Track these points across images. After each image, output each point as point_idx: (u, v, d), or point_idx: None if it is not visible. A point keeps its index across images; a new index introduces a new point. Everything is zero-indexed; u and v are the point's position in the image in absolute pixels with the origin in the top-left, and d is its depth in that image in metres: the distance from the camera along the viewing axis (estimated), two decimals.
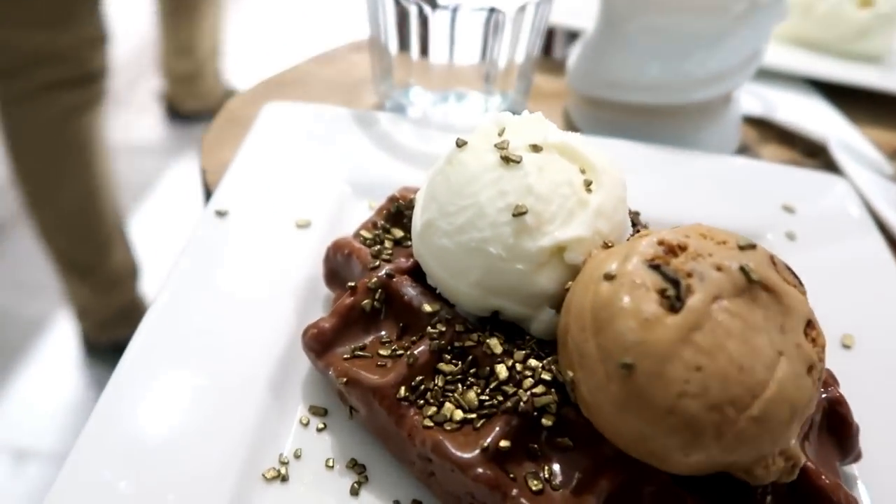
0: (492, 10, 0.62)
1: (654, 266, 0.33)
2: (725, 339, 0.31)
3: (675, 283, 0.32)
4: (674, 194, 0.59)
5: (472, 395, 0.38)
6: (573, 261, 0.38)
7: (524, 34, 0.66)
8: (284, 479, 0.39)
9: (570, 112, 0.74)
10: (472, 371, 0.39)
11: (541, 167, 0.38)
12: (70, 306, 1.61)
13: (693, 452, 0.31)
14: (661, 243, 0.34)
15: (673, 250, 0.34)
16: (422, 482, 0.39)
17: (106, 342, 1.60)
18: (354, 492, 0.39)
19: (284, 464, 0.40)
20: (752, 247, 0.34)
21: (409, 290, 0.42)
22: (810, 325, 0.33)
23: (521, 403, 0.36)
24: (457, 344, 0.39)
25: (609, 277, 0.33)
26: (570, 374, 0.34)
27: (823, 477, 0.34)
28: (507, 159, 0.38)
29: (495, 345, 0.38)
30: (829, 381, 0.39)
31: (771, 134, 0.75)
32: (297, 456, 0.40)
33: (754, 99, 0.77)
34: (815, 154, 0.72)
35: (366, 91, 0.77)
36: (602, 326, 0.32)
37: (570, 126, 0.73)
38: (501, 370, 0.38)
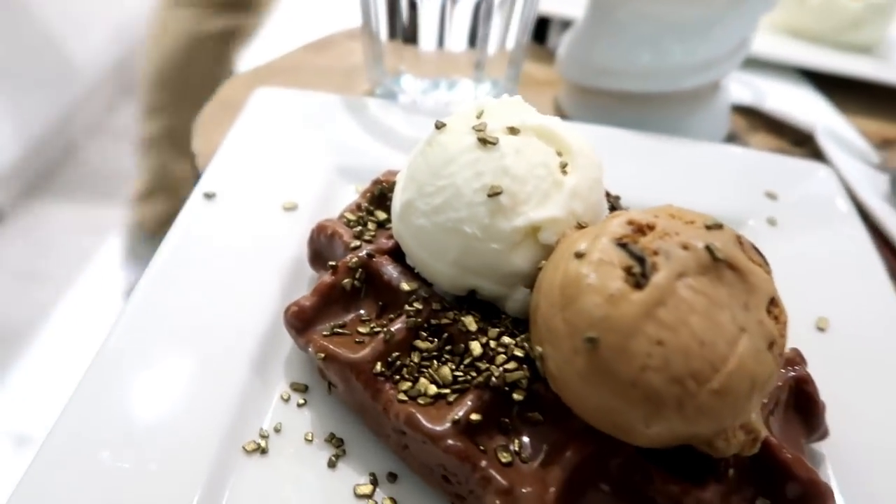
0: None
1: (622, 244, 0.34)
2: (688, 314, 0.32)
3: (641, 260, 0.33)
4: (659, 180, 0.60)
5: (446, 370, 0.39)
6: (547, 241, 0.38)
7: (514, 22, 0.66)
8: (264, 451, 0.40)
9: (561, 100, 0.75)
10: (447, 348, 0.40)
11: (517, 149, 0.39)
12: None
13: (655, 424, 0.32)
14: (630, 223, 0.35)
15: (642, 229, 0.34)
16: (398, 455, 0.40)
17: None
18: (332, 464, 0.40)
19: (264, 437, 0.41)
20: (719, 227, 0.35)
21: (389, 270, 0.42)
22: (773, 302, 0.34)
23: (493, 378, 0.37)
24: (433, 321, 0.40)
25: (579, 255, 0.34)
26: (539, 349, 0.35)
27: (785, 451, 0.35)
28: (483, 141, 0.39)
29: (470, 322, 0.39)
30: (797, 360, 0.40)
31: (760, 123, 0.75)
32: (277, 430, 0.41)
33: (744, 88, 0.77)
34: (803, 143, 0.72)
35: (359, 78, 0.77)
36: (569, 302, 0.33)
37: (561, 114, 0.74)
38: (475, 347, 0.39)
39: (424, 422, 0.36)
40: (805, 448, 0.39)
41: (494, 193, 0.38)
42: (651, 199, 0.57)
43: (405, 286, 0.41)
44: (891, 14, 0.80)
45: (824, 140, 0.69)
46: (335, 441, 0.41)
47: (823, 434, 0.40)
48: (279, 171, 0.56)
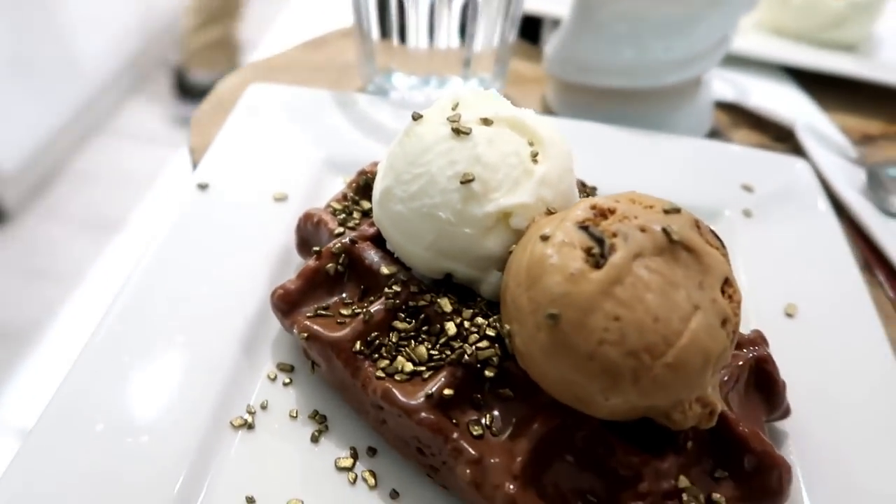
0: None
1: (584, 227, 0.35)
2: (644, 292, 0.34)
3: (601, 242, 0.35)
4: (638, 173, 0.61)
5: (422, 349, 0.41)
6: (518, 226, 0.40)
7: (499, 21, 0.68)
8: (251, 426, 0.42)
9: (548, 97, 0.77)
10: (424, 328, 0.42)
11: (490, 139, 0.41)
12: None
13: (613, 396, 0.34)
14: (593, 207, 0.37)
15: (604, 213, 0.36)
16: (376, 430, 0.42)
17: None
18: (315, 439, 0.42)
19: (251, 413, 0.43)
20: (677, 211, 0.36)
21: (370, 255, 0.45)
22: (728, 283, 0.36)
23: (466, 356, 0.39)
24: (411, 303, 0.42)
25: (544, 238, 0.36)
26: (507, 327, 0.37)
27: (742, 425, 0.37)
28: (457, 131, 0.41)
29: (445, 304, 0.41)
30: (759, 341, 0.42)
31: (743, 119, 0.77)
32: (263, 407, 0.43)
33: (727, 85, 0.79)
34: (784, 139, 0.74)
35: (352, 75, 0.79)
36: (534, 281, 0.35)
37: (548, 110, 0.76)
38: (450, 327, 0.41)
39: (400, 396, 0.38)
40: (765, 425, 0.41)
41: (467, 180, 0.40)
42: (630, 190, 0.59)
43: (385, 270, 0.43)
44: (873, 12, 0.81)
45: (804, 135, 0.70)
46: (318, 417, 0.43)
47: (785, 412, 0.42)
48: (270, 163, 0.59)
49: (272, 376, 0.45)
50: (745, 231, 0.57)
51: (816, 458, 0.42)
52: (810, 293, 0.51)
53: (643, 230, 0.35)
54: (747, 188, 0.60)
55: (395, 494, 0.40)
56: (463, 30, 0.68)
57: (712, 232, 0.38)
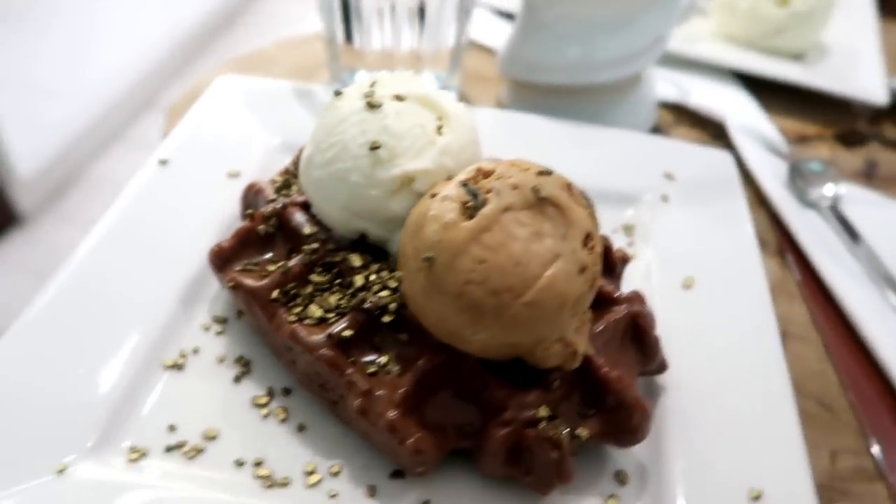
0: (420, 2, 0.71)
1: (464, 184, 0.40)
2: (509, 240, 0.38)
3: (476, 196, 0.39)
4: (572, 161, 0.65)
5: (332, 299, 0.46)
6: (420, 189, 0.45)
7: (451, 21, 0.74)
8: (180, 367, 0.47)
9: (502, 95, 0.82)
10: (337, 281, 0.47)
11: (399, 112, 0.46)
12: None
13: (479, 331, 0.38)
14: (478, 169, 0.42)
15: (486, 174, 0.41)
16: (290, 371, 0.46)
17: None
18: (237, 380, 0.47)
19: (183, 356, 0.48)
20: (549, 173, 0.41)
21: (296, 217, 0.49)
22: (589, 237, 0.40)
23: (367, 303, 0.44)
24: (327, 259, 0.47)
25: (433, 196, 0.41)
26: (399, 273, 0.42)
27: (606, 369, 0.41)
28: (370, 105, 0.46)
29: (356, 260, 0.46)
30: (636, 300, 0.46)
31: (685, 118, 0.81)
32: (195, 351, 0.48)
33: (672, 86, 0.84)
34: (721, 136, 0.78)
35: (324, 73, 0.85)
36: (417, 231, 0.40)
37: (501, 107, 0.81)
38: (358, 279, 0.45)
39: (304, 336, 0.43)
40: (639, 377, 0.45)
41: (375, 147, 0.45)
42: (568, 176, 0.63)
43: (306, 230, 0.48)
44: (813, 22, 0.86)
45: (734, 132, 0.75)
46: (242, 362, 0.48)
47: (661, 366, 0.46)
48: (229, 145, 0.64)
49: (206, 326, 0.50)
50: (660, 214, 0.61)
51: (685, 408, 0.46)
52: (709, 269, 0.55)
53: (515, 187, 0.40)
54: (669, 176, 0.65)
55: (301, 427, 0.45)
56: (419, 31, 0.74)
57: (584, 195, 0.42)
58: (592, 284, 0.40)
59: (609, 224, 0.61)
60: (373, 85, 0.48)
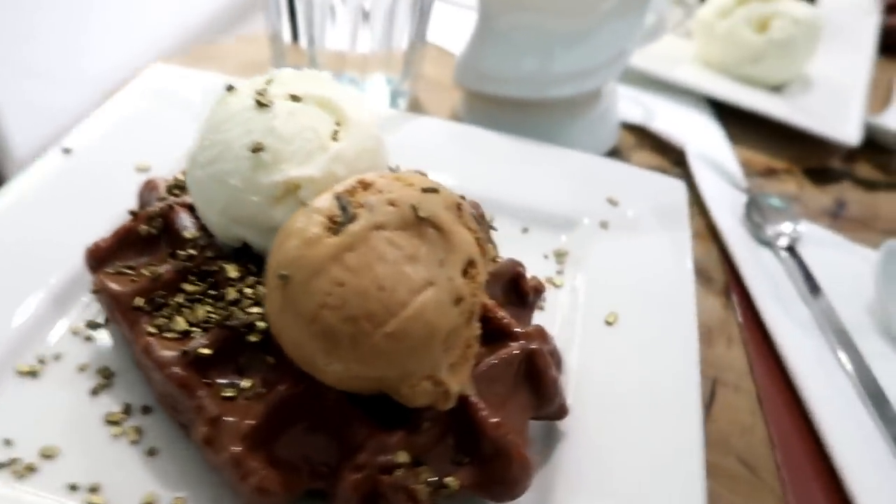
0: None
1: (337, 196, 0.36)
2: (375, 262, 0.34)
3: (345, 210, 0.35)
4: (515, 180, 0.62)
5: (202, 311, 0.41)
6: (306, 199, 0.41)
7: (404, 23, 0.70)
8: (35, 374, 0.43)
9: (458, 105, 0.78)
10: (210, 292, 0.42)
11: (291, 113, 0.42)
12: None
13: (332, 361, 0.34)
14: (358, 181, 0.37)
15: (366, 186, 0.37)
16: (150, 387, 0.42)
17: None
18: (94, 393, 0.43)
19: (42, 362, 0.43)
20: (435, 191, 0.37)
21: (181, 219, 0.45)
22: (472, 264, 0.36)
23: (232, 319, 0.39)
24: (204, 268, 0.43)
25: (304, 206, 0.37)
26: (263, 290, 0.38)
27: (485, 412, 0.37)
28: (259, 103, 0.42)
29: (232, 270, 0.42)
30: (536, 336, 0.42)
31: (647, 141, 0.77)
32: (56, 357, 0.44)
33: (637, 107, 0.79)
34: (682, 163, 0.74)
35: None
36: (279, 245, 0.36)
37: (456, 118, 0.77)
38: (231, 292, 0.41)
39: (156, 350, 0.39)
40: (529, 421, 0.41)
41: (257, 149, 0.41)
42: (504, 195, 0.59)
43: (187, 234, 0.44)
44: (792, 52, 0.81)
45: (693, 160, 0.70)
46: (105, 373, 0.44)
47: (560, 411, 0.42)
48: (143, 137, 0.60)
49: (76, 331, 0.46)
50: (596, 241, 0.57)
51: (581, 460, 0.41)
52: (637, 305, 0.51)
53: (392, 204, 0.35)
54: (612, 201, 0.60)
55: (152, 451, 0.40)
56: (372, 32, 0.70)
57: (476, 217, 0.38)
58: (470, 317, 0.36)
59: (541, 248, 0.57)
60: (269, 82, 0.44)
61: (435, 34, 0.86)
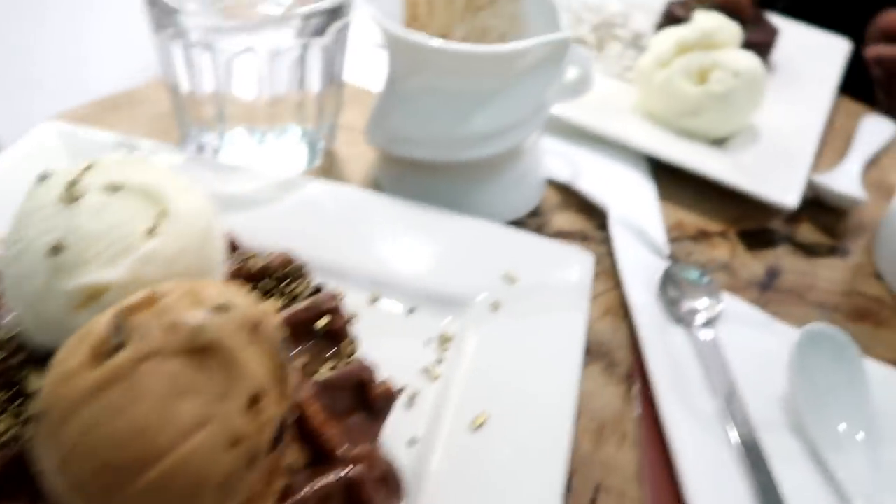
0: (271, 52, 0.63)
1: (115, 316, 0.32)
2: (139, 399, 0.30)
3: (118, 334, 0.31)
4: (407, 254, 0.58)
5: (1, 425, 0.37)
6: (112, 305, 0.37)
7: (314, 73, 0.66)
8: None
9: (374, 163, 0.74)
10: (18, 404, 0.39)
11: (102, 207, 0.38)
12: None
13: None
14: (147, 297, 0.33)
15: (150, 304, 0.33)
16: None
17: None
18: None
19: None
20: (227, 310, 0.33)
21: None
22: (257, 397, 0.32)
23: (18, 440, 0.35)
24: (11, 376, 0.39)
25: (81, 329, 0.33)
26: None
27: None
28: (68, 196, 0.38)
29: (33, 381, 0.38)
30: (366, 459, 0.37)
31: (574, 201, 0.73)
32: None
33: (566, 164, 0.75)
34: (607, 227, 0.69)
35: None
36: (48, 374, 0.32)
37: (371, 178, 0.73)
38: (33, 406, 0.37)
39: None
40: None
41: (56, 250, 0.37)
42: (392, 272, 0.55)
43: (1, 334, 0.41)
44: (733, 105, 0.76)
45: (614, 226, 0.66)
46: None
47: None
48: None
49: None
50: (483, 324, 0.53)
51: None
52: (512, 405, 0.46)
53: (171, 327, 0.32)
54: (510, 278, 0.56)
55: None
56: (278, 82, 0.67)
57: (287, 339, 0.34)
58: (254, 459, 0.32)
59: (425, 332, 0.53)
60: (88, 168, 0.40)
61: (359, 74, 0.82)
